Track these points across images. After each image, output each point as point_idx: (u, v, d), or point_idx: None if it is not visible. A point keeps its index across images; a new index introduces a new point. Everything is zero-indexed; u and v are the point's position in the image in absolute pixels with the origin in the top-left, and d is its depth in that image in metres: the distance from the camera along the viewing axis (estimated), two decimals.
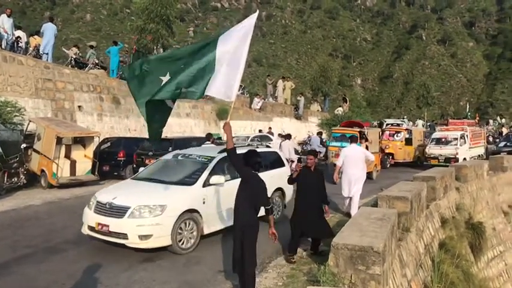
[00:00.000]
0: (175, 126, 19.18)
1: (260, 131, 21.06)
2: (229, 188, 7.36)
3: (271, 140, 19.70)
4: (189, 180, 7.69)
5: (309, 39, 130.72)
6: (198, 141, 14.18)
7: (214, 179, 7.59)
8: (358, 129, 15.87)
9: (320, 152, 17.47)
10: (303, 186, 7.21)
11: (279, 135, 22.88)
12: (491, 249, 11.24)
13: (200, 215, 7.32)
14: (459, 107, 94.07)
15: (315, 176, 7.20)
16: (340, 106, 30.98)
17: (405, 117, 47.97)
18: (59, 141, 13.14)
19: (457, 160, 17.55)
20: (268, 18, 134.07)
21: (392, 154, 19.72)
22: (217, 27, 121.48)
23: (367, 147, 12.80)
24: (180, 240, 7.00)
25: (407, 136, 20.56)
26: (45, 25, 17.53)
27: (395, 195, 6.88)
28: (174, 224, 6.85)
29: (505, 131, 30.49)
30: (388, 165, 19.13)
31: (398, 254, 5.81)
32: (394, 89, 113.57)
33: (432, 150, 19.31)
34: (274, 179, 8.85)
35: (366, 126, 17.39)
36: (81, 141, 14.26)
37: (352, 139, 10.64)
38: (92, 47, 20.41)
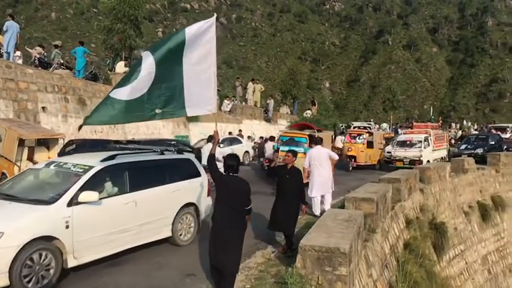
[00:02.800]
0: (142, 127, 18.89)
1: (230, 133, 21.04)
2: (110, 206, 6.28)
3: (241, 143, 19.76)
4: (48, 198, 5.92)
5: (278, 43, 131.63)
6: (159, 144, 14.03)
7: (85, 195, 5.89)
8: (308, 133, 14.79)
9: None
10: (279, 185, 7.44)
11: (249, 137, 23.01)
12: (452, 249, 11.62)
13: (62, 244, 5.67)
14: (423, 111, 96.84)
15: (292, 175, 7.35)
16: (309, 109, 31.31)
17: (372, 120, 48.98)
18: (21, 143, 12.66)
19: (421, 162, 18.03)
20: (238, 21, 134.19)
21: (354, 157, 19.39)
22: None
23: None
24: (27, 278, 5.27)
25: (369, 139, 20.39)
26: (8, 23, 16.93)
27: (362, 197, 7.03)
28: (14, 257, 5.14)
29: (459, 134, 31.54)
30: (351, 168, 18.84)
31: (365, 254, 5.93)
32: (361, 93, 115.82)
33: (397, 152, 19.78)
34: (182, 193, 7.58)
35: (318, 129, 16.37)
36: (45, 143, 13.81)
37: (317, 141, 10.79)
38: (56, 46, 19.81)
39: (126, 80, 5.81)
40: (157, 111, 5.94)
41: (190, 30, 6.09)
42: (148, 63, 5.77)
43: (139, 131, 18.14)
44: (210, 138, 14.09)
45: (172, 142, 13.55)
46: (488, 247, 14.49)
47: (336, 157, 10.65)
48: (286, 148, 13.71)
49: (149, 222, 6.91)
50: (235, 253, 5.32)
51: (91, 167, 6.39)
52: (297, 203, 7.31)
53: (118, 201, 6.48)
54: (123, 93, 5.66)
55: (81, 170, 6.36)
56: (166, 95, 5.96)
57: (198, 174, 8.23)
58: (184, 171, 7.99)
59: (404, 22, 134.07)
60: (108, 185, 6.63)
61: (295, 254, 4.84)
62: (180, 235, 7.56)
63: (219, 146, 14.52)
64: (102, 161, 6.56)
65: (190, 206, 7.80)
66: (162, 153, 7.76)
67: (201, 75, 6.13)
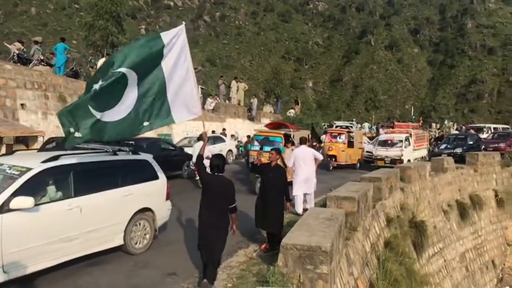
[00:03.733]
0: None
1: (213, 131, 20.96)
2: (50, 212, 5.76)
3: (224, 141, 19.72)
4: None
5: (262, 41, 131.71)
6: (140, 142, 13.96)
7: (18, 201, 5.31)
8: (283, 132, 14.35)
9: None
10: (263, 182, 7.52)
11: (232, 136, 22.96)
12: (432, 247, 11.82)
13: None
14: (405, 111, 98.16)
15: (276, 172, 7.41)
16: (292, 108, 31.44)
17: (354, 119, 49.44)
18: None
19: (402, 161, 18.28)
20: (222, 19, 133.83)
21: (335, 156, 19.40)
22: (170, 26, 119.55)
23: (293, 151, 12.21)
24: None
25: (350, 138, 20.44)
26: None
27: (343, 196, 7.08)
28: None
29: (437, 133, 32.06)
30: (331, 168, 18.86)
31: (346, 253, 5.98)
32: (344, 92, 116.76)
33: (379, 151, 20.01)
34: (137, 197, 7.04)
35: (293, 129, 16.02)
36: (24, 140, 13.60)
37: (301, 140, 10.87)
38: (36, 42, 19.45)
39: (112, 100, 6.00)
40: (145, 123, 6.32)
41: (166, 40, 6.31)
42: (131, 79, 6.04)
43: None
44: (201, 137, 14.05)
45: (130, 142, 12.62)
46: (466, 245, 14.78)
47: (321, 157, 10.73)
48: (259, 148, 13.36)
49: (97, 230, 6.33)
50: (220, 247, 5.73)
51: (29, 169, 5.79)
52: (281, 200, 7.36)
53: (60, 207, 5.90)
54: (113, 115, 6.02)
55: (17, 173, 5.76)
56: (152, 107, 6.29)
57: (156, 177, 7.63)
58: (139, 173, 7.42)
59: (386, 23, 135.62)
60: (50, 189, 5.99)
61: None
62: (135, 243, 7.02)
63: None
64: (43, 162, 5.97)
65: (145, 212, 7.24)
66: (115, 154, 7.13)
67: (181, 82, 6.46)
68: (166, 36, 6.37)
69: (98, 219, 6.36)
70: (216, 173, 5.86)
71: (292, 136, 14.00)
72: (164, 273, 6.19)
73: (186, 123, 21.01)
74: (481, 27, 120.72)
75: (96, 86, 5.90)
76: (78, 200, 6.13)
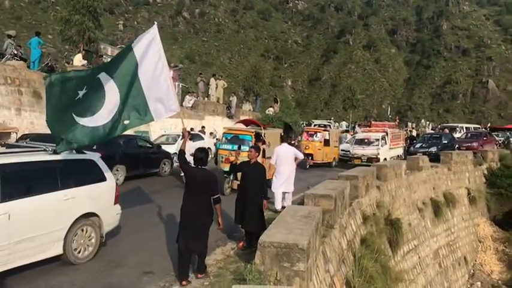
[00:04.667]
0: None
1: (192, 129, 20.83)
2: None
3: (203, 139, 19.62)
4: None
5: (242, 39, 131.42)
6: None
7: None
8: (254, 130, 13.86)
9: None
10: (243, 180, 7.58)
11: (211, 134, 22.86)
12: (406, 244, 12.05)
13: None
14: (382, 110, 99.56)
15: (255, 170, 7.45)
16: (271, 106, 31.53)
17: (332, 118, 49.90)
18: None
19: (378, 160, 18.56)
20: (201, 16, 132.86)
21: (311, 155, 19.47)
22: (148, 21, 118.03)
23: (263, 151, 11.98)
24: None
25: (326, 137, 20.55)
26: None
27: (321, 194, 7.15)
28: None
29: (415, 133, 32.68)
30: (308, 166, 18.90)
31: (322, 250, 6.04)
32: (322, 91, 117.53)
33: (356, 150, 20.26)
34: (79, 201, 6.44)
35: (264, 127, 15.51)
36: None
37: (283, 138, 10.96)
38: (10, 36, 18.93)
39: (93, 106, 6.19)
40: (125, 122, 6.44)
41: (136, 44, 6.57)
42: (109, 86, 6.28)
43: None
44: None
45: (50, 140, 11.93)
46: (439, 242, 15.12)
47: (301, 156, 10.89)
48: (230, 146, 13.03)
49: (30, 239, 5.68)
50: (204, 237, 5.93)
51: None
52: (260, 197, 7.40)
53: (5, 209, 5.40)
54: (97, 121, 6.17)
55: None
56: (131, 107, 6.45)
57: (103, 178, 7.04)
58: (84, 174, 6.81)
59: (364, 23, 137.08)
60: None
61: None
62: (77, 252, 6.42)
63: (192, 141, 14.41)
64: None
65: (90, 217, 6.66)
66: (54, 153, 6.44)
67: (158, 80, 6.64)
68: (137, 40, 6.67)
69: (31, 227, 5.73)
70: (199, 166, 6.10)
71: (263, 135, 13.56)
72: (140, 271, 6.14)
73: (163, 120, 20.82)
74: (456, 29, 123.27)
75: (81, 94, 6.17)
76: (5, 205, 5.46)
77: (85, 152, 7.15)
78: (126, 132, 10.76)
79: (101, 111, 6.20)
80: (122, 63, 6.46)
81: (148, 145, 15.89)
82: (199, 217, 5.81)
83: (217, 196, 6.01)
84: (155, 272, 6.12)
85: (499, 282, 16.37)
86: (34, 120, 16.69)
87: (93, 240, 6.70)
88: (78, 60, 19.50)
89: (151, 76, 6.57)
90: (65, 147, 6.17)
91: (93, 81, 6.29)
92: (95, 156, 7.25)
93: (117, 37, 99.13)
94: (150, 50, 6.59)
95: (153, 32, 6.69)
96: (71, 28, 21.91)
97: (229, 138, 13.96)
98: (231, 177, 12.17)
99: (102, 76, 6.31)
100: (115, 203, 7.27)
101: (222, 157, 13.01)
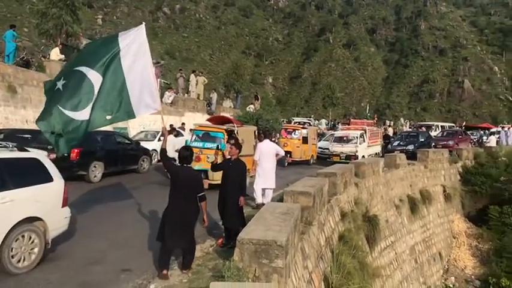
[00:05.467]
0: None
1: (171, 125, 20.67)
2: None
3: (183, 136, 19.48)
4: None
5: (222, 36, 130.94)
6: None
7: None
8: (226, 127, 13.45)
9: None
10: (224, 177, 7.61)
11: (191, 130, 22.72)
12: (384, 240, 12.23)
13: None
14: (360, 108, 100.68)
15: (235, 167, 7.49)
16: (251, 103, 31.51)
17: (312, 116, 50.25)
18: None
19: (356, 157, 18.79)
20: (182, 11, 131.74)
21: (290, 152, 19.19)
22: (128, 16, 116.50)
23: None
24: None
25: (304, 135, 20.52)
26: None
27: (300, 191, 7.18)
28: None
29: (391, 131, 33.19)
30: (286, 164, 18.66)
31: (301, 246, 6.09)
32: (303, 89, 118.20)
33: (334, 147, 20.46)
34: (20, 204, 5.84)
35: (237, 124, 15.07)
36: None
37: (265, 135, 11.02)
38: None
39: (84, 100, 6.25)
40: (107, 117, 6.50)
41: (123, 39, 6.68)
42: (94, 78, 6.32)
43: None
44: (172, 131, 14.48)
45: (26, 136, 11.36)
46: (415, 238, 15.40)
47: (283, 153, 11.02)
48: (200, 144, 12.61)
49: None
50: (190, 234, 6.00)
51: None
52: (239, 194, 7.42)
53: None
54: (87, 113, 6.23)
55: None
56: (113, 102, 6.50)
57: (49, 179, 6.44)
58: (26, 174, 6.18)
59: (344, 22, 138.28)
60: None
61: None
62: (16, 260, 5.79)
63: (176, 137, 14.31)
64: None
65: (33, 221, 6.05)
66: (22, 150, 6.17)
67: (142, 78, 6.72)
68: (124, 35, 6.79)
69: None
70: (184, 165, 6.14)
71: (236, 132, 13.05)
72: (118, 269, 6.09)
73: (143, 117, 20.59)
74: (434, 29, 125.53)
75: (59, 85, 6.23)
76: None
77: (28, 149, 6.74)
78: (104, 128, 10.64)
79: (89, 104, 6.25)
80: (106, 57, 6.46)
81: (127, 141, 15.70)
82: (186, 215, 5.86)
83: (202, 194, 6.07)
84: (133, 270, 6.08)
85: (472, 277, 16.80)
86: (9, 115, 16.30)
87: (35, 249, 6.04)
88: (55, 55, 19.10)
89: (136, 73, 6.64)
90: (64, 146, 6.18)
91: (74, 74, 6.32)
92: (41, 155, 6.66)
93: (96, 31, 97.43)
94: (136, 47, 6.69)
95: (141, 30, 6.84)
96: (48, 22, 21.44)
97: (199, 135, 13.46)
98: (202, 176, 12.13)
99: (85, 69, 6.33)
100: (63, 206, 6.67)
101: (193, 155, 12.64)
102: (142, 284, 5.61)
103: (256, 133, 14.93)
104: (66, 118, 6.10)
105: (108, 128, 15.11)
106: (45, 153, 6.80)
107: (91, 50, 6.79)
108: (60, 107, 6.10)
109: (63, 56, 19.33)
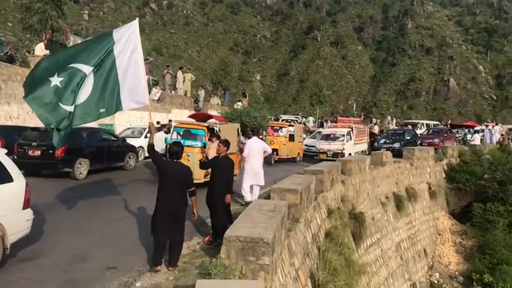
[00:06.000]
0: None
1: (158, 122, 20.54)
2: None
3: (169, 132, 19.36)
4: None
5: (210, 32, 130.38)
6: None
7: None
8: (207, 125, 13.04)
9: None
10: (212, 174, 7.62)
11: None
12: (370, 237, 12.32)
13: None
14: (348, 106, 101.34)
15: (222, 164, 7.52)
16: (239, 101, 31.42)
17: (300, 114, 50.37)
18: None
19: (343, 155, 18.89)
20: (169, 7, 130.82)
21: (276, 150, 19.01)
22: (114, 12, 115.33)
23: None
24: None
25: (291, 132, 20.47)
26: None
27: (287, 188, 7.20)
28: None
29: (377, 129, 33.46)
30: (273, 162, 18.45)
31: (288, 243, 6.10)
32: (290, 87, 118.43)
33: (322, 145, 20.54)
34: None
35: (220, 121, 14.72)
36: None
37: (253, 132, 11.07)
38: None
39: (82, 95, 6.55)
40: (101, 110, 6.73)
41: (117, 35, 6.93)
42: (85, 70, 6.55)
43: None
44: (162, 127, 14.49)
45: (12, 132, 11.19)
46: (401, 235, 15.55)
47: (270, 150, 11.10)
48: (181, 141, 11.52)
49: None
50: (180, 228, 6.08)
51: None
52: (226, 192, 7.41)
53: None
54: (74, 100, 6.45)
55: None
56: (107, 95, 6.74)
57: (8, 179, 5.93)
58: None
59: (332, 20, 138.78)
60: None
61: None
62: None
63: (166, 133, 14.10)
64: None
65: None
66: None
67: (132, 73, 6.92)
68: (118, 31, 7.02)
69: None
70: (174, 160, 6.18)
71: (218, 130, 12.79)
72: (103, 267, 6.02)
73: (129, 113, 20.46)
74: (420, 28, 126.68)
75: (56, 82, 6.36)
76: None
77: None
78: (89, 125, 10.52)
79: (80, 97, 6.51)
80: (101, 53, 6.71)
81: (113, 138, 15.55)
82: (177, 210, 5.92)
83: (193, 189, 6.14)
84: (119, 267, 6.02)
85: (456, 273, 17.04)
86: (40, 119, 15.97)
87: None
88: (40, 49, 18.79)
89: (127, 68, 6.86)
90: (57, 138, 6.41)
91: (71, 70, 6.51)
92: (0, 153, 6.17)
93: (82, 27, 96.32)
94: (128, 42, 6.92)
95: (134, 26, 7.06)
96: (32, 16, 21.07)
97: (180, 132, 13.06)
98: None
99: (80, 66, 6.56)
100: (25, 208, 6.18)
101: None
102: (128, 282, 5.56)
103: (239, 131, 14.68)
104: (64, 114, 6.38)
105: (94, 124, 14.99)
106: (5, 151, 6.23)
107: (86, 47, 6.98)
108: (60, 104, 6.36)
109: (48, 51, 19.04)
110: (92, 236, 7.35)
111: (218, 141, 11.73)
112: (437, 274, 16.95)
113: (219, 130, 12.78)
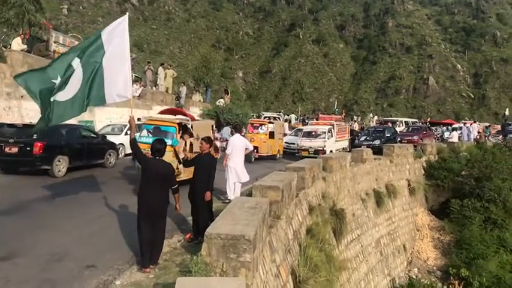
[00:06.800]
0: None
1: (139, 119, 20.32)
2: None
3: None
4: None
5: (192, 29, 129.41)
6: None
7: None
8: (179, 121, 12.48)
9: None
10: (194, 171, 7.67)
11: None
12: (350, 233, 12.47)
13: None
14: (329, 103, 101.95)
15: (203, 161, 7.56)
16: (221, 97, 31.35)
17: (282, 111, 50.52)
18: None
19: (324, 152, 19.04)
20: (151, 3, 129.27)
21: (257, 147, 18.72)
22: (94, 7, 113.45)
23: (191, 145, 11.40)
24: None
25: (271, 129, 20.47)
26: None
27: (268, 185, 7.23)
28: None
29: (357, 127, 33.81)
30: (253, 159, 18.32)
31: (269, 240, 6.12)
32: (273, 84, 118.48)
33: (303, 142, 20.67)
34: None
35: (191, 117, 14.23)
36: None
37: (236, 129, 11.08)
38: None
39: (62, 83, 6.67)
40: (85, 101, 6.86)
41: (106, 31, 7.05)
42: (75, 64, 6.73)
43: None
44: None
45: None
46: (381, 231, 15.77)
47: (251, 147, 11.12)
48: (150, 140, 10.87)
49: None
50: (163, 224, 6.16)
51: None
52: (207, 189, 7.40)
53: None
54: (64, 95, 6.62)
55: None
56: (91, 88, 6.85)
57: None
58: None
59: (314, 17, 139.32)
60: None
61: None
62: None
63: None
64: None
65: None
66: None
67: (117, 66, 6.99)
68: (108, 27, 7.13)
69: None
70: (157, 157, 6.18)
71: (190, 127, 12.38)
72: (82, 265, 5.94)
73: (109, 110, 20.19)
74: (401, 26, 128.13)
75: (56, 82, 6.62)
76: None
77: None
78: (68, 121, 10.33)
79: (67, 88, 6.67)
80: (90, 47, 6.90)
81: (93, 135, 15.33)
82: (159, 208, 5.97)
83: (176, 187, 6.24)
84: (98, 266, 5.95)
85: (434, 268, 17.37)
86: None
87: None
88: (17, 44, 18.36)
89: (113, 61, 6.95)
90: (40, 124, 6.85)
91: (67, 67, 6.75)
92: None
93: (61, 22, 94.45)
94: (117, 37, 7.02)
95: (123, 20, 7.18)
96: (9, 10, 20.55)
97: (150, 130, 12.40)
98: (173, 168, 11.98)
99: (75, 61, 6.79)
100: None
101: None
102: (108, 280, 5.50)
103: (214, 127, 14.14)
104: (52, 103, 6.62)
105: (73, 121, 14.73)
106: None
107: (81, 45, 7.30)
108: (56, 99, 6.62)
109: (25, 46, 18.62)
110: (70, 234, 7.24)
111: (191, 138, 11.55)
112: (416, 269, 17.25)
113: (192, 127, 12.44)
